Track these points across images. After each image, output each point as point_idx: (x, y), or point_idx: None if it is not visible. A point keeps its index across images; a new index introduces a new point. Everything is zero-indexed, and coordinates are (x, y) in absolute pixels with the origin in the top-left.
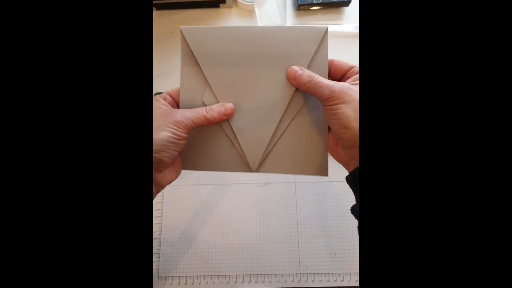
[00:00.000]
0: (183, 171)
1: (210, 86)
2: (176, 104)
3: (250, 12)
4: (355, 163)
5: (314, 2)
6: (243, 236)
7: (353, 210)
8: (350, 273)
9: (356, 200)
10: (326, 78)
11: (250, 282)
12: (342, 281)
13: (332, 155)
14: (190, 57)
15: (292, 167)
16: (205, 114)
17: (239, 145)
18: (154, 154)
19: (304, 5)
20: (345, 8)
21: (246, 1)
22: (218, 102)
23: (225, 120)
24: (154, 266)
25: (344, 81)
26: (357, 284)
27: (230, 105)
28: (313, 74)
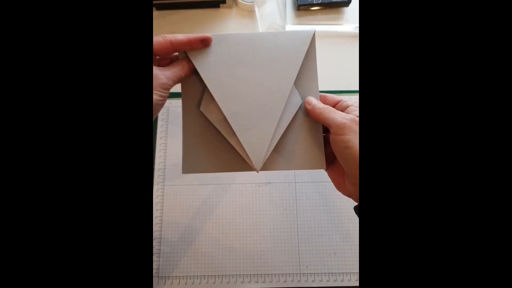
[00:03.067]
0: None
1: (208, 93)
2: (155, 56)
3: (250, 12)
4: None
5: (314, 2)
6: (243, 236)
7: (356, 209)
8: (350, 273)
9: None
10: (316, 79)
11: (250, 282)
12: (342, 281)
13: (339, 190)
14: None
15: (292, 163)
16: (180, 69)
17: (241, 146)
18: None
19: (304, 5)
20: (345, 8)
21: (246, 1)
22: (217, 109)
23: (190, 71)
24: (154, 266)
25: None
26: (357, 284)
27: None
28: (327, 106)
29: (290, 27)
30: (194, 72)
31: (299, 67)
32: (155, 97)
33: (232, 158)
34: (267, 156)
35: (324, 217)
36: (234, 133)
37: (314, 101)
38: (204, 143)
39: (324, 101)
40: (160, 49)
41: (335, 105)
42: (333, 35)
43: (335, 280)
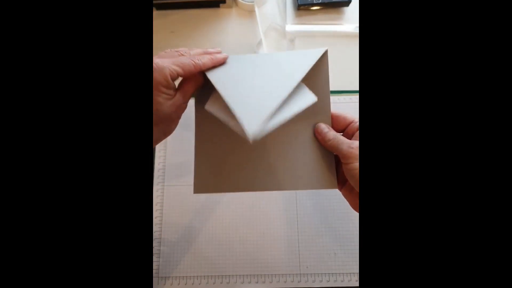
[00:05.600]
0: (185, 172)
1: (215, 92)
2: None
3: (250, 12)
4: None
5: (314, 2)
6: (243, 236)
7: None
8: (350, 273)
9: None
10: (328, 101)
11: (250, 282)
12: (342, 281)
13: (356, 210)
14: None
15: (301, 183)
16: (192, 68)
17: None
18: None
19: (304, 5)
20: (345, 8)
21: (246, 1)
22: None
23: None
24: (154, 266)
25: (345, 136)
26: (357, 284)
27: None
28: (337, 134)
29: (290, 26)
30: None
31: (306, 71)
32: (176, 125)
33: (246, 176)
34: (265, 128)
35: (324, 218)
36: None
37: (325, 130)
38: (217, 161)
39: (336, 122)
40: (188, 72)
41: (346, 126)
42: (333, 35)
43: (335, 281)
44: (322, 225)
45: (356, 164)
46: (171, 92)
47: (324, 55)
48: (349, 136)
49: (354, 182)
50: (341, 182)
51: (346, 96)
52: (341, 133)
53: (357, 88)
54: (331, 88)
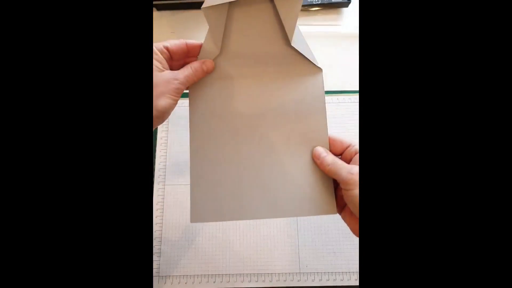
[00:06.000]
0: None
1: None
2: (170, 58)
3: None
4: None
5: (314, 2)
6: (243, 236)
7: None
8: (350, 272)
9: None
10: (325, 124)
11: (250, 281)
12: (342, 280)
13: (356, 235)
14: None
15: (299, 209)
16: (192, 73)
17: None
18: (157, 119)
19: (303, 5)
20: (345, 9)
21: None
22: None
23: (206, 74)
24: (155, 266)
25: (343, 160)
26: (357, 283)
27: (210, 62)
28: (336, 158)
29: None
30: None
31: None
32: (168, 101)
33: (243, 204)
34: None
35: (324, 216)
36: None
37: (323, 154)
38: (213, 189)
39: (333, 146)
40: (176, 50)
41: (343, 150)
42: (333, 35)
43: (335, 280)
44: (322, 224)
45: (356, 191)
46: (157, 64)
47: (319, 77)
48: (347, 160)
49: (354, 208)
50: (340, 206)
51: (346, 96)
52: (339, 157)
53: (357, 88)
54: (331, 88)
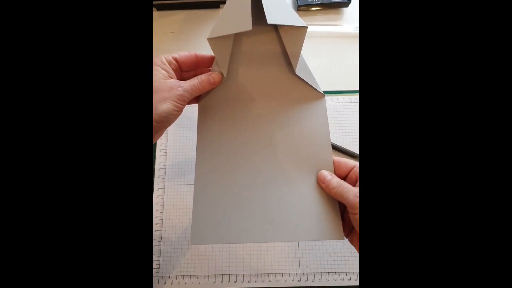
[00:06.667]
0: (187, 178)
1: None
2: (179, 69)
3: None
4: None
5: (314, 2)
6: None
7: None
8: (350, 272)
9: None
10: (329, 147)
11: (250, 281)
12: (342, 280)
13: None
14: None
15: (305, 233)
16: (199, 86)
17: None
18: (156, 124)
19: (304, 5)
20: (345, 9)
21: None
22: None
23: (213, 87)
24: (155, 266)
25: (348, 182)
26: (357, 283)
27: (217, 75)
28: (341, 181)
29: None
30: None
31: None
32: (170, 106)
33: (246, 227)
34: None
35: None
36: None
37: (328, 177)
38: (217, 211)
39: (338, 168)
40: (185, 61)
41: (348, 172)
42: (333, 35)
43: (335, 280)
44: None
45: None
46: (163, 72)
47: (323, 102)
48: (353, 182)
49: None
50: (347, 229)
51: (346, 96)
52: (344, 179)
53: (357, 88)
54: (331, 88)
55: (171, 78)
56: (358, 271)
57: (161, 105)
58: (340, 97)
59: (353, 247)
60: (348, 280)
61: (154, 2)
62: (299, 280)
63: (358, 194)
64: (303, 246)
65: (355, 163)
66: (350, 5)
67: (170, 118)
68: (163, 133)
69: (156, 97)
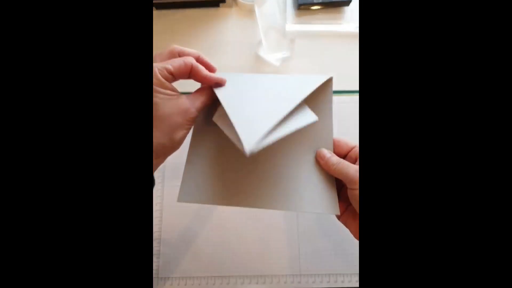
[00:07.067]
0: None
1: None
2: (173, 79)
3: (250, 12)
4: None
5: (315, 1)
6: (243, 237)
7: None
8: (350, 274)
9: None
10: (331, 128)
11: (250, 283)
12: (342, 281)
13: (356, 237)
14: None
15: (301, 204)
16: (205, 96)
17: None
18: (174, 150)
19: (304, 4)
20: (345, 8)
21: (246, 1)
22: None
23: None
24: (154, 267)
25: (348, 161)
26: (357, 284)
27: (221, 79)
28: (341, 159)
29: (290, 26)
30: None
31: (308, 93)
32: (185, 131)
33: (235, 191)
34: (262, 143)
35: (324, 218)
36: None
37: (327, 155)
38: (209, 173)
39: (338, 147)
40: (179, 73)
41: (348, 152)
42: (333, 35)
43: (335, 281)
44: (322, 226)
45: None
46: (168, 92)
47: (329, 82)
48: (352, 161)
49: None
50: (342, 208)
51: (346, 96)
52: (343, 158)
53: (357, 88)
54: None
55: (173, 91)
56: (358, 272)
57: (176, 133)
58: (340, 97)
59: (353, 248)
60: (349, 281)
61: (154, 1)
62: (299, 282)
63: (358, 169)
64: (303, 248)
65: (355, 143)
66: (350, 4)
67: (183, 141)
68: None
69: (169, 124)
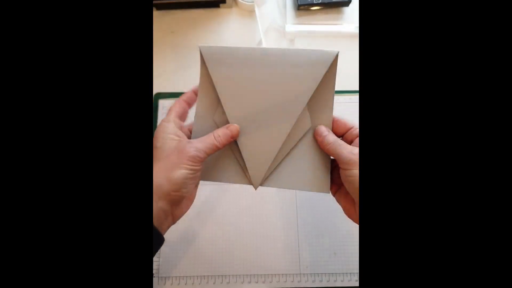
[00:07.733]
0: None
1: (221, 105)
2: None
3: (250, 12)
4: None
5: (314, 2)
6: (243, 236)
7: None
8: (350, 273)
9: None
10: (331, 105)
11: (250, 282)
12: (342, 281)
13: (350, 217)
14: (207, 79)
15: (295, 182)
16: (215, 142)
17: (243, 160)
18: (175, 193)
19: (304, 5)
20: (345, 8)
21: (246, 1)
22: (227, 121)
23: (232, 141)
24: (154, 266)
25: (344, 141)
26: (357, 284)
27: (235, 127)
28: (338, 138)
29: (290, 26)
30: (210, 85)
31: (313, 90)
32: (184, 172)
33: (233, 169)
34: (266, 176)
35: (324, 217)
36: (238, 149)
37: (325, 133)
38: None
39: (336, 126)
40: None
41: (346, 131)
42: (333, 35)
43: (335, 281)
44: (322, 225)
45: (355, 171)
46: (174, 136)
47: (334, 59)
48: (348, 142)
49: (352, 188)
50: (336, 187)
51: (346, 96)
52: (340, 138)
53: (357, 88)
54: None
55: (178, 136)
56: (358, 271)
57: (173, 172)
58: (340, 97)
59: (353, 247)
60: (349, 281)
61: (154, 2)
62: (299, 281)
63: (353, 151)
64: (303, 247)
65: (353, 124)
66: (350, 5)
67: (187, 183)
68: (189, 205)
69: (166, 164)
